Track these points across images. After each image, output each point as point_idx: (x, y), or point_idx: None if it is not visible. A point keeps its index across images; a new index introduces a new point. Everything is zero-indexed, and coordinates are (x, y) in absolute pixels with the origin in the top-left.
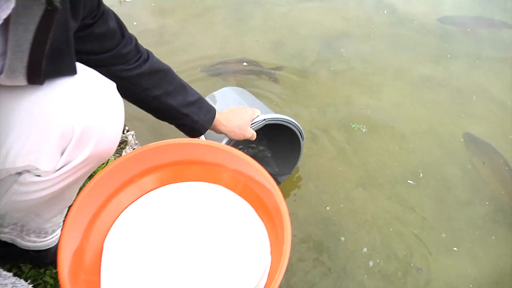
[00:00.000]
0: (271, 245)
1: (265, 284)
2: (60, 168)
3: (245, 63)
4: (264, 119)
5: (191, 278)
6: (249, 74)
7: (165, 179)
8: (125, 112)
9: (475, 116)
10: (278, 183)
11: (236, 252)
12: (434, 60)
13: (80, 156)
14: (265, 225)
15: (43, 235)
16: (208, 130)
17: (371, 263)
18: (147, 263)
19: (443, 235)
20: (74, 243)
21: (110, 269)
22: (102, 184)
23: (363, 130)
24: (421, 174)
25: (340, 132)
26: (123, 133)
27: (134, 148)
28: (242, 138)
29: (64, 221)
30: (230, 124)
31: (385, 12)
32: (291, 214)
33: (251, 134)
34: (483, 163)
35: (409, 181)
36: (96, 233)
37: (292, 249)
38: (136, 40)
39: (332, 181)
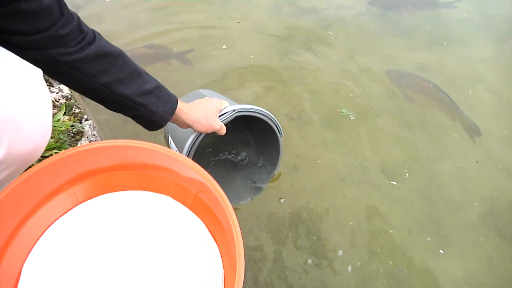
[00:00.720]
0: (225, 270)
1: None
2: None
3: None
4: (234, 110)
5: None
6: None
7: (102, 187)
8: (81, 104)
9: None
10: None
11: (183, 276)
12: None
13: None
14: (219, 247)
15: None
16: (171, 124)
17: (349, 268)
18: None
19: (428, 239)
20: None
21: None
22: (20, 194)
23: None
24: (407, 173)
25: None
26: (80, 122)
27: (91, 141)
28: (210, 130)
29: None
30: (195, 114)
31: None
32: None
33: (220, 126)
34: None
35: (392, 182)
36: (10, 257)
37: (260, 249)
38: (78, 19)
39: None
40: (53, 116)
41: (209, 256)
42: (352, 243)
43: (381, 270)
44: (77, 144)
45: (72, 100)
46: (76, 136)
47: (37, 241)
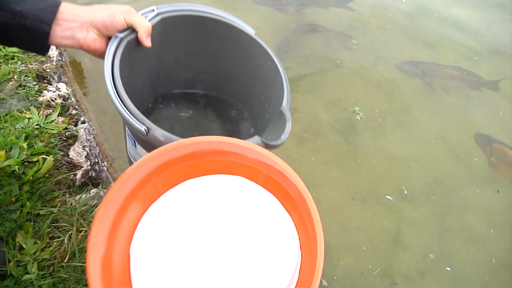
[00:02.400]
0: (300, 239)
1: (297, 282)
2: None
3: None
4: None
5: (222, 276)
6: None
7: (184, 175)
8: (83, 104)
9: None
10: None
11: (265, 248)
12: None
13: None
14: (292, 217)
15: None
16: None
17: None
18: (177, 264)
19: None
20: (100, 252)
21: (140, 276)
22: (122, 188)
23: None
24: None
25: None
26: (75, 125)
27: (84, 146)
28: (119, 27)
29: (90, 230)
30: (97, 13)
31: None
32: None
33: (141, 21)
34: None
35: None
36: (120, 238)
37: None
38: None
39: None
40: (46, 117)
41: (285, 226)
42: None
43: None
44: (69, 149)
45: (69, 101)
46: (69, 140)
47: (137, 224)
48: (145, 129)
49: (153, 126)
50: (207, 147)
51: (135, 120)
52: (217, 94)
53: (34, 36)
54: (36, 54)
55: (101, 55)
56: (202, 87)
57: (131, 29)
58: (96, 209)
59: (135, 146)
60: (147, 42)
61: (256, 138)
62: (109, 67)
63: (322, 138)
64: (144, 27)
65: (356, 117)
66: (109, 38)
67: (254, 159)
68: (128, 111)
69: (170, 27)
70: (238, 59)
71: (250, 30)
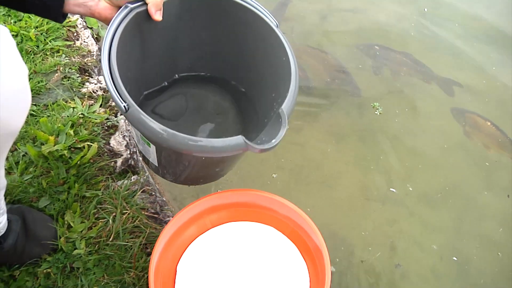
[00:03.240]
0: (310, 280)
1: None
2: None
3: None
4: None
5: None
6: None
7: (228, 218)
8: None
9: None
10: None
11: (282, 282)
12: None
13: None
14: (307, 264)
15: None
16: None
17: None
18: (211, 285)
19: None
20: (156, 264)
21: (182, 286)
22: (179, 218)
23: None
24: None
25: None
26: (115, 116)
27: (124, 135)
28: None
29: (155, 243)
30: None
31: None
32: None
33: None
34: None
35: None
36: (169, 257)
37: None
38: None
39: None
40: (89, 107)
41: (300, 269)
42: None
43: None
44: (110, 138)
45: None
46: (110, 129)
47: (186, 249)
48: (124, 106)
49: (134, 106)
50: (248, 199)
51: (117, 95)
52: (231, 80)
53: (48, 4)
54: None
55: None
56: (216, 71)
57: (143, 1)
58: (137, 194)
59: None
60: (156, 15)
61: (239, 138)
62: (109, 37)
63: None
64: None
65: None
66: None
67: (283, 215)
68: (114, 85)
69: (189, 6)
70: (254, 49)
71: (272, 21)
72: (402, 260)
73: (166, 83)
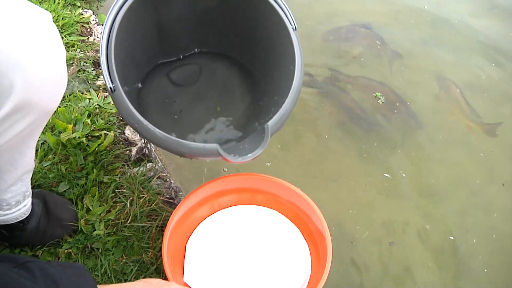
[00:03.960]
0: (312, 262)
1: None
2: None
3: None
4: None
5: (249, 279)
6: None
7: (235, 202)
8: None
9: None
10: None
11: (285, 262)
12: None
13: (5, 106)
14: (308, 246)
15: (6, 207)
16: None
17: None
18: (217, 263)
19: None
20: (168, 242)
21: (191, 264)
22: (189, 200)
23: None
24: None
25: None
26: None
27: None
28: None
29: (167, 225)
30: None
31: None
32: None
33: None
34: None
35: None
36: (179, 236)
37: None
38: None
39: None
40: (104, 99)
41: (302, 250)
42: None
43: None
44: (124, 128)
45: None
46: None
47: (195, 229)
48: (110, 88)
49: (119, 88)
50: (253, 184)
51: (107, 74)
52: (245, 64)
53: None
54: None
55: None
56: (230, 51)
57: None
58: (153, 180)
59: None
60: None
61: (214, 146)
62: (111, 17)
63: None
64: None
65: None
66: None
67: (286, 199)
68: (108, 67)
69: None
70: (268, 47)
71: (291, 23)
72: (407, 251)
73: (181, 56)
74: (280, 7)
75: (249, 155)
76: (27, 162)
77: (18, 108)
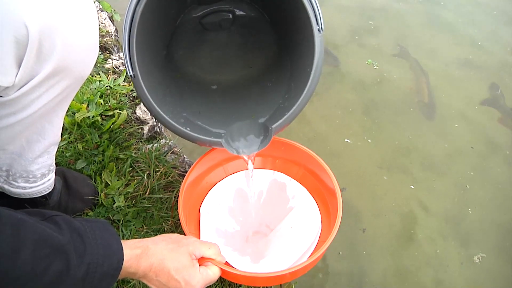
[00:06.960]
0: (322, 221)
1: (316, 245)
2: (24, 85)
3: None
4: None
5: (262, 238)
6: None
7: (244, 166)
8: None
9: None
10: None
11: (296, 221)
12: None
13: (44, 68)
14: (318, 204)
15: (32, 179)
16: None
17: None
18: (230, 225)
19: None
20: (184, 206)
21: (206, 226)
22: (200, 166)
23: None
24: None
25: None
26: None
27: None
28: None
29: (179, 191)
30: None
31: None
32: None
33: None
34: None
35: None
36: (192, 200)
37: None
38: None
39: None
40: (114, 80)
41: (311, 209)
42: None
43: None
44: (135, 107)
45: None
46: (136, 100)
47: (207, 193)
48: (131, 75)
49: (139, 76)
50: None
51: (129, 61)
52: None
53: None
54: None
55: None
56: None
57: None
58: (167, 155)
59: None
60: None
61: (219, 141)
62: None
63: None
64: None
65: None
66: None
67: (295, 160)
68: (130, 55)
69: None
70: (293, 48)
71: (319, 23)
72: (417, 225)
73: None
74: (311, 4)
75: (253, 147)
76: (55, 133)
77: (56, 72)
